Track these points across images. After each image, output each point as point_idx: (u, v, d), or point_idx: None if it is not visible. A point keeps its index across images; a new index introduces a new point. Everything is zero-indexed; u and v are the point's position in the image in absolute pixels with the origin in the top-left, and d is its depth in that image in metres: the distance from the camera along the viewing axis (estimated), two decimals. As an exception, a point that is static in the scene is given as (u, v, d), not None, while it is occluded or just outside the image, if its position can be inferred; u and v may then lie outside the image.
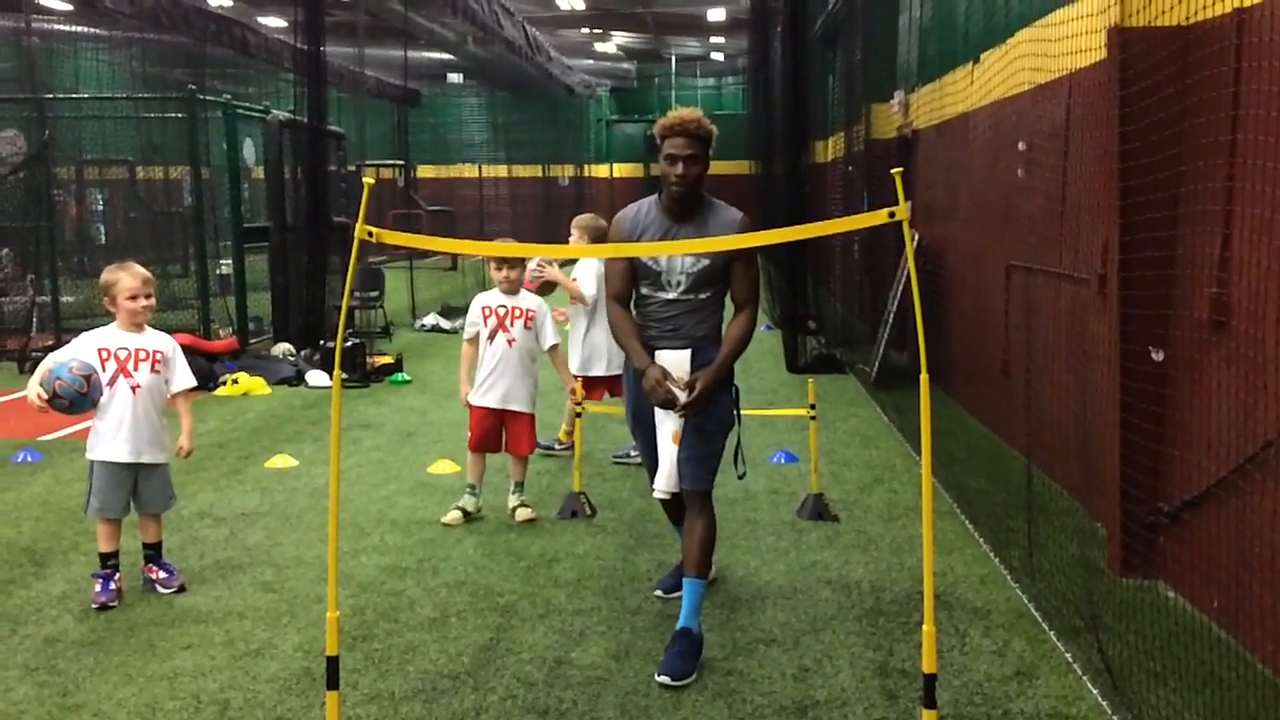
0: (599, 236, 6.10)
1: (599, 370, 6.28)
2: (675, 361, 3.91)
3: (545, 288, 5.97)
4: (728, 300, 3.99)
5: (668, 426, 3.91)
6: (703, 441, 3.89)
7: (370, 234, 2.75)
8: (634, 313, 4.05)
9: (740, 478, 4.23)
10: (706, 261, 3.86)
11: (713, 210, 3.92)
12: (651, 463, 4.05)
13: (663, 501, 4.13)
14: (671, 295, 3.91)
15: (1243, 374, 3.69)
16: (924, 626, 2.83)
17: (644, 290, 3.98)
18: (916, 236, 8.91)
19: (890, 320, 9.05)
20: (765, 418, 7.48)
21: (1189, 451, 4.02)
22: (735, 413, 4.01)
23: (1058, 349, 5.46)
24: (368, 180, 2.85)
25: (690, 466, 3.88)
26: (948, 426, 7.26)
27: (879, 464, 6.57)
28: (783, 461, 6.59)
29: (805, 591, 4.44)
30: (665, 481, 3.94)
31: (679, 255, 3.85)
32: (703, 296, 3.92)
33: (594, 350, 6.30)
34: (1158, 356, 4.21)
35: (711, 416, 3.91)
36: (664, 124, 3.89)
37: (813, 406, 5.50)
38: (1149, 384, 4.20)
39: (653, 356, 3.92)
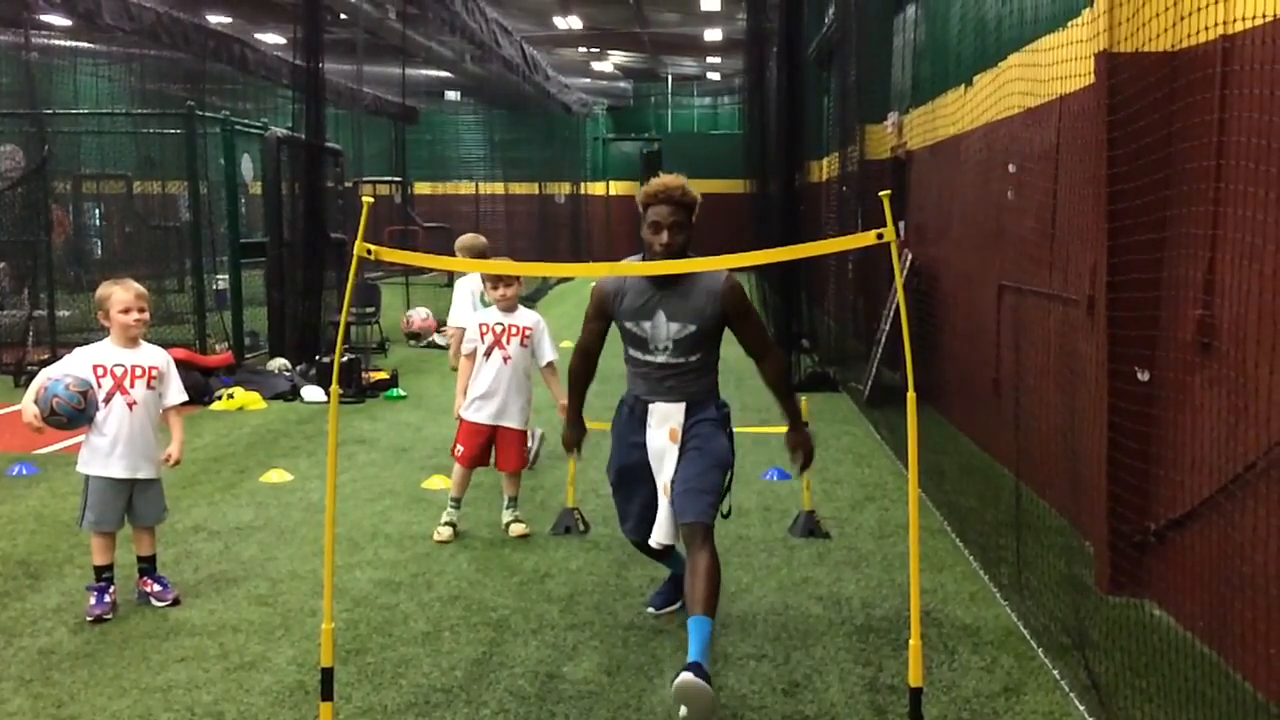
0: (479, 255, 6.75)
1: None
2: (668, 412, 3.88)
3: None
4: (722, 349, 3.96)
5: (665, 477, 3.86)
6: (701, 475, 3.81)
7: (369, 251, 2.80)
8: (626, 369, 4.01)
9: (724, 516, 4.00)
10: (693, 328, 3.81)
11: (699, 276, 3.84)
12: (634, 515, 4.03)
13: (637, 543, 4.10)
14: (659, 359, 3.86)
15: (1227, 395, 3.74)
16: (910, 640, 2.87)
17: (632, 353, 3.95)
18: (910, 256, 8.98)
19: (883, 339, 9.11)
20: (758, 435, 7.51)
21: (1175, 471, 4.07)
22: (731, 452, 3.95)
23: (1047, 369, 5.52)
24: (367, 199, 2.90)
25: (690, 500, 3.77)
26: (939, 444, 7.30)
27: (871, 482, 6.61)
28: (775, 479, 6.63)
29: (796, 608, 4.47)
30: (664, 531, 3.86)
31: (664, 321, 3.81)
32: (692, 360, 3.86)
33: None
34: (1143, 377, 4.26)
35: (708, 451, 3.84)
36: (648, 191, 3.83)
37: (805, 425, 5.53)
38: (1136, 404, 4.25)
39: (643, 411, 3.91)
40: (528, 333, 5.43)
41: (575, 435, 4.22)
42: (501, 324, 5.42)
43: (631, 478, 4.01)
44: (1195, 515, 3.95)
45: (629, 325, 3.86)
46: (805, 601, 4.54)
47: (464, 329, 6.50)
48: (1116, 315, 4.26)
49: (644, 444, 3.93)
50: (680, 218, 3.77)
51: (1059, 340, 5.33)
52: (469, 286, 7.06)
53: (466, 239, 7.06)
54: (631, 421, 4.00)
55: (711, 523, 3.77)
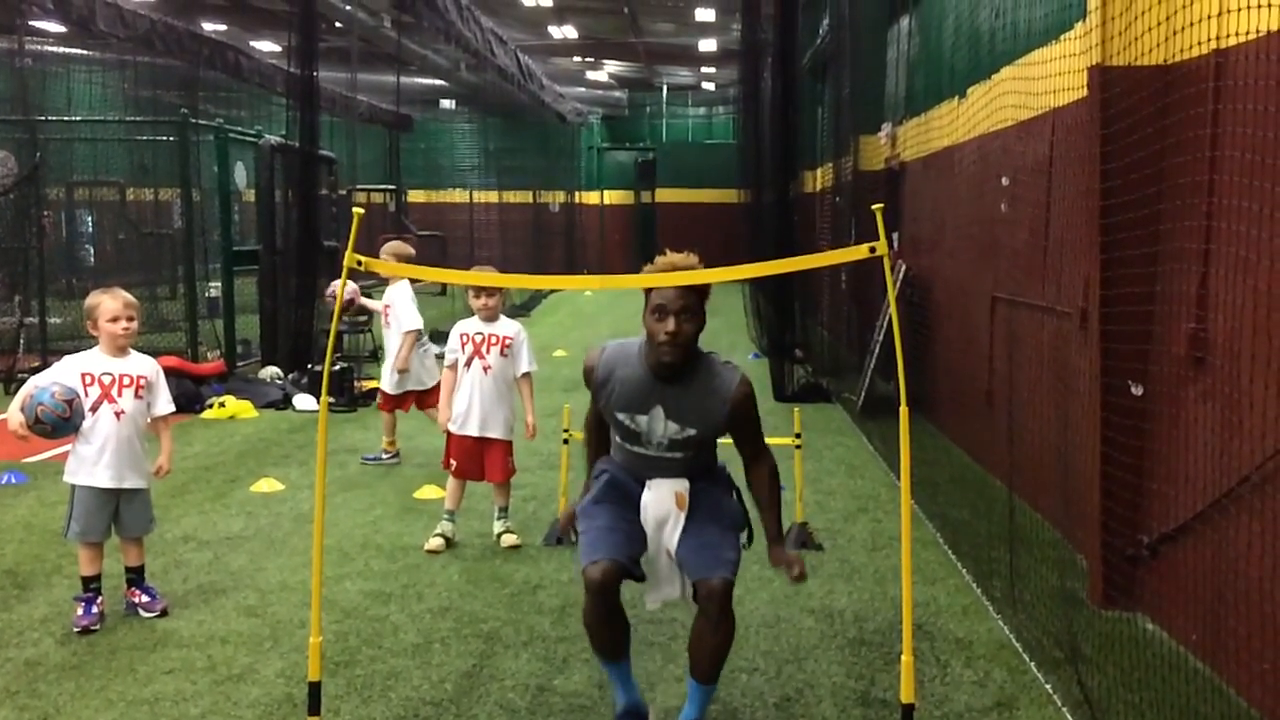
0: (407, 261, 7.12)
1: (410, 385, 7.20)
2: (669, 481, 3.39)
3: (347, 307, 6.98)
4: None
5: (669, 542, 3.33)
6: (721, 536, 3.32)
7: (359, 263, 2.78)
8: (614, 449, 3.52)
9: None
10: (694, 432, 3.29)
11: (708, 373, 3.30)
12: (610, 542, 3.29)
13: (601, 585, 3.20)
14: (653, 453, 3.35)
15: (1220, 410, 3.74)
16: (903, 657, 2.86)
17: (621, 442, 3.43)
18: (903, 267, 8.99)
19: (876, 350, 9.11)
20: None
21: (1168, 485, 4.07)
22: (747, 518, 3.49)
23: (1040, 381, 5.52)
24: (357, 210, 2.88)
25: (710, 555, 3.24)
26: (932, 456, 7.30)
27: (864, 493, 6.60)
28: (768, 490, 6.61)
29: (788, 620, 4.45)
30: (669, 588, 3.31)
31: (662, 418, 3.28)
32: (689, 454, 3.36)
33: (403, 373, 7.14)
34: (1137, 391, 4.26)
35: (724, 513, 3.39)
36: (652, 272, 3.23)
37: (798, 436, 5.53)
38: (1129, 417, 4.24)
39: (639, 487, 3.39)
40: (508, 342, 5.41)
41: (566, 519, 3.68)
42: (482, 334, 5.40)
43: (616, 507, 3.39)
44: (1188, 529, 3.94)
45: (620, 417, 3.35)
46: (797, 614, 4.52)
47: (419, 330, 7.12)
48: (1110, 329, 4.26)
49: (638, 493, 3.38)
50: (691, 303, 3.18)
51: (1052, 353, 5.32)
52: (408, 291, 7.34)
53: (393, 245, 7.51)
54: (622, 474, 3.47)
55: (734, 582, 3.25)
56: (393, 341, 7.22)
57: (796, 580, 3.34)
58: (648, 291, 3.24)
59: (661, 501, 3.32)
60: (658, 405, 3.28)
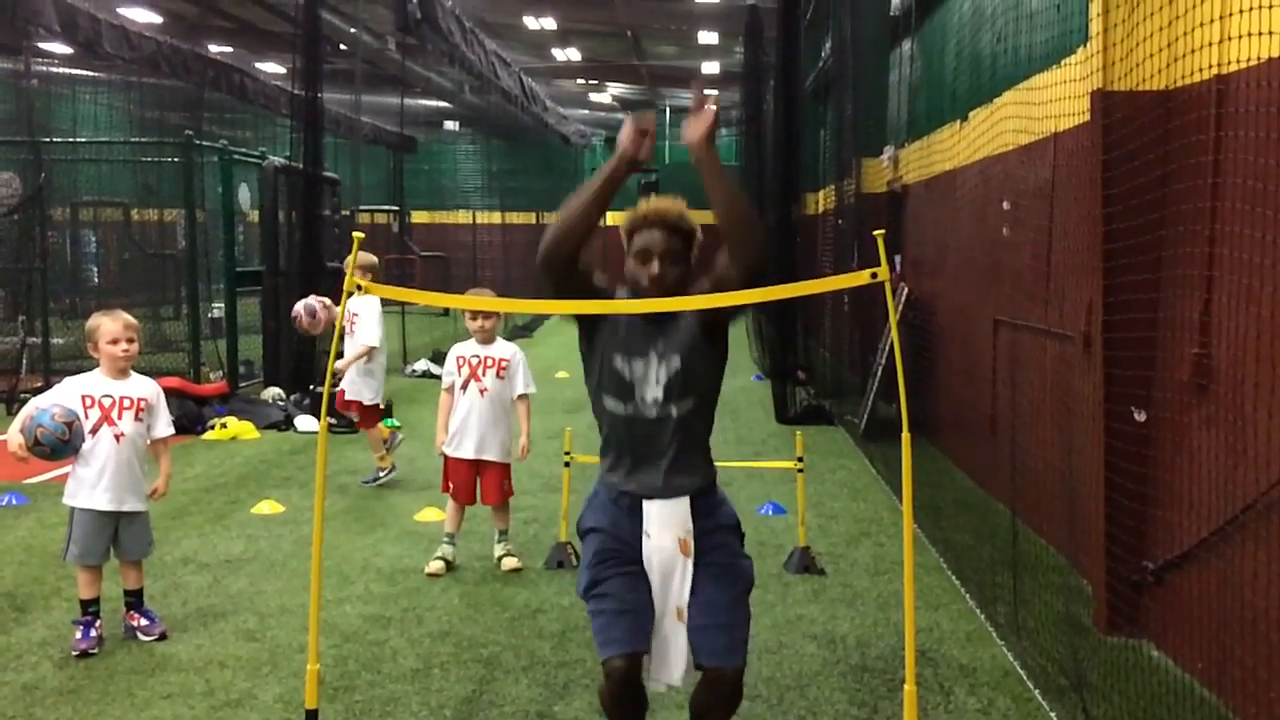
0: (371, 268, 7.47)
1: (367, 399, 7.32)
2: (671, 514, 3.05)
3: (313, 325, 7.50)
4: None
5: (677, 599, 3.04)
6: (731, 606, 3.06)
7: (359, 286, 2.78)
8: (598, 424, 3.20)
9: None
10: (678, 362, 3.04)
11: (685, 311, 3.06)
12: (624, 627, 3.04)
13: (624, 673, 2.98)
14: (646, 414, 3.06)
15: (1223, 437, 3.72)
16: (906, 685, 2.83)
17: (608, 404, 3.11)
18: (905, 290, 8.98)
19: (879, 372, 9.09)
20: (752, 470, 7.49)
21: (1172, 512, 4.04)
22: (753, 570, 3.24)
23: (1043, 405, 5.50)
24: (357, 235, 2.88)
25: (720, 637, 3.00)
26: (935, 480, 7.27)
27: (866, 517, 6.57)
28: (770, 513, 6.59)
29: (790, 646, 4.42)
30: (677, 669, 3.03)
31: (655, 366, 3.04)
32: (687, 408, 3.06)
33: (366, 382, 7.31)
34: (1140, 417, 4.24)
35: (734, 573, 3.12)
36: (635, 215, 3.09)
37: (800, 459, 5.51)
38: (1133, 443, 4.23)
39: (634, 507, 3.08)
40: (504, 364, 5.40)
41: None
42: (478, 356, 5.39)
43: (621, 571, 3.08)
44: (1192, 556, 3.92)
45: (618, 362, 3.08)
46: (800, 640, 4.49)
47: (374, 347, 7.26)
48: (1113, 354, 4.25)
49: (638, 552, 3.09)
50: (675, 246, 3.03)
51: (1055, 377, 5.31)
52: (376, 305, 7.40)
53: (362, 257, 7.49)
54: (617, 513, 3.13)
55: (744, 666, 3.07)
56: (351, 350, 7.27)
57: (702, 114, 2.89)
58: (629, 234, 3.08)
59: (665, 551, 3.05)
60: (651, 350, 3.06)
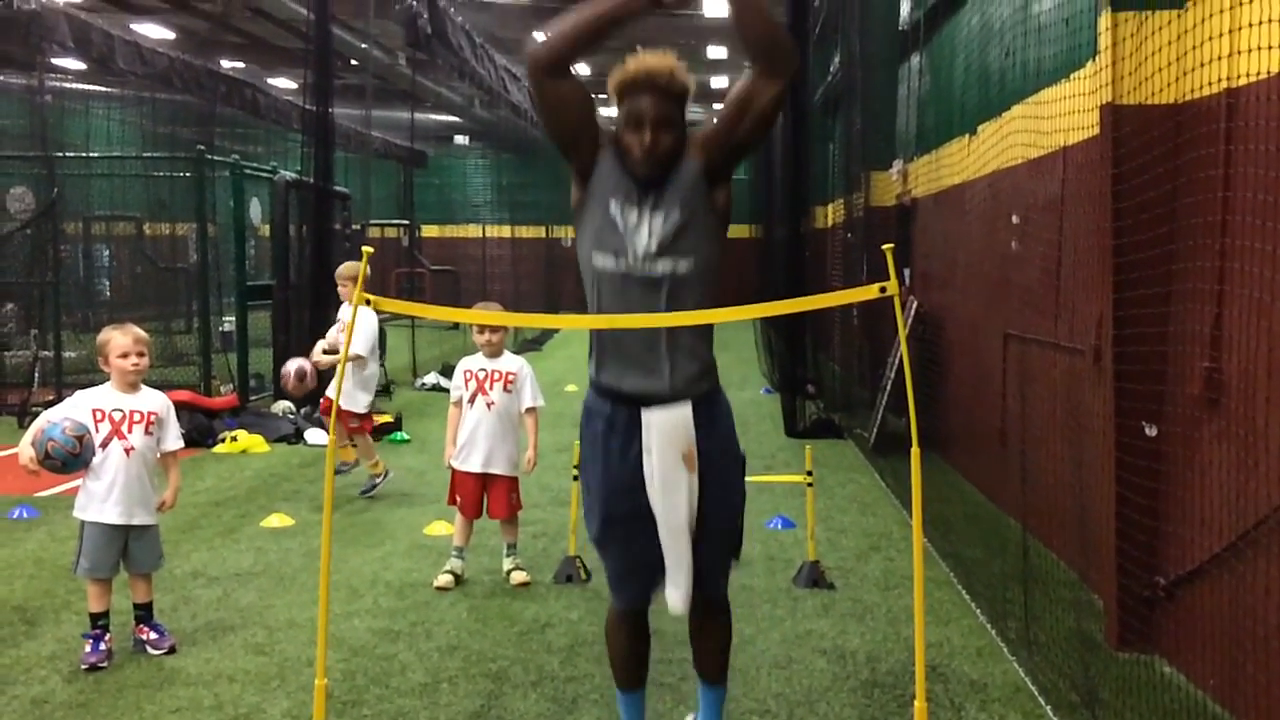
0: (353, 278, 7.11)
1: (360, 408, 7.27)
2: (673, 425, 2.90)
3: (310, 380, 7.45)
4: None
5: (681, 515, 2.97)
6: (728, 536, 3.20)
7: (368, 301, 2.79)
8: (587, 298, 3.07)
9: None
10: (677, 214, 2.90)
11: (680, 167, 2.94)
12: (636, 576, 3.12)
13: (635, 614, 3.15)
14: (638, 271, 2.90)
15: (1235, 452, 3.70)
16: (916, 701, 2.82)
17: (598, 263, 2.95)
18: (915, 303, 8.97)
19: (888, 386, 9.07)
20: (762, 484, 7.47)
21: (1184, 527, 4.02)
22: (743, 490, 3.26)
23: (1053, 419, 5.48)
24: (366, 249, 2.89)
25: (716, 567, 3.15)
26: (945, 494, 7.24)
27: (876, 531, 6.54)
28: (779, 527, 6.57)
29: (800, 661, 4.40)
30: (682, 598, 3.03)
31: (647, 213, 2.90)
32: (683, 269, 2.90)
33: (358, 394, 7.27)
34: (1151, 432, 4.22)
35: (731, 501, 3.14)
36: (623, 77, 2.89)
37: (810, 473, 5.50)
38: (1144, 458, 4.21)
39: (632, 422, 2.94)
40: (511, 378, 5.40)
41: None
42: (485, 370, 5.40)
43: (626, 530, 3.06)
44: (1204, 572, 3.89)
45: (613, 205, 2.92)
46: (809, 655, 4.47)
47: (362, 356, 7.24)
48: (1123, 368, 4.23)
49: (639, 480, 2.98)
50: (669, 111, 2.85)
51: (1065, 391, 5.29)
52: (370, 318, 7.44)
53: (346, 266, 7.56)
54: (614, 439, 3.00)
55: (726, 588, 3.25)
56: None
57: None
58: (620, 96, 2.89)
59: (669, 472, 2.92)
60: (647, 199, 2.91)
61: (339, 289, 7.46)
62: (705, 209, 2.95)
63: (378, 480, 7.40)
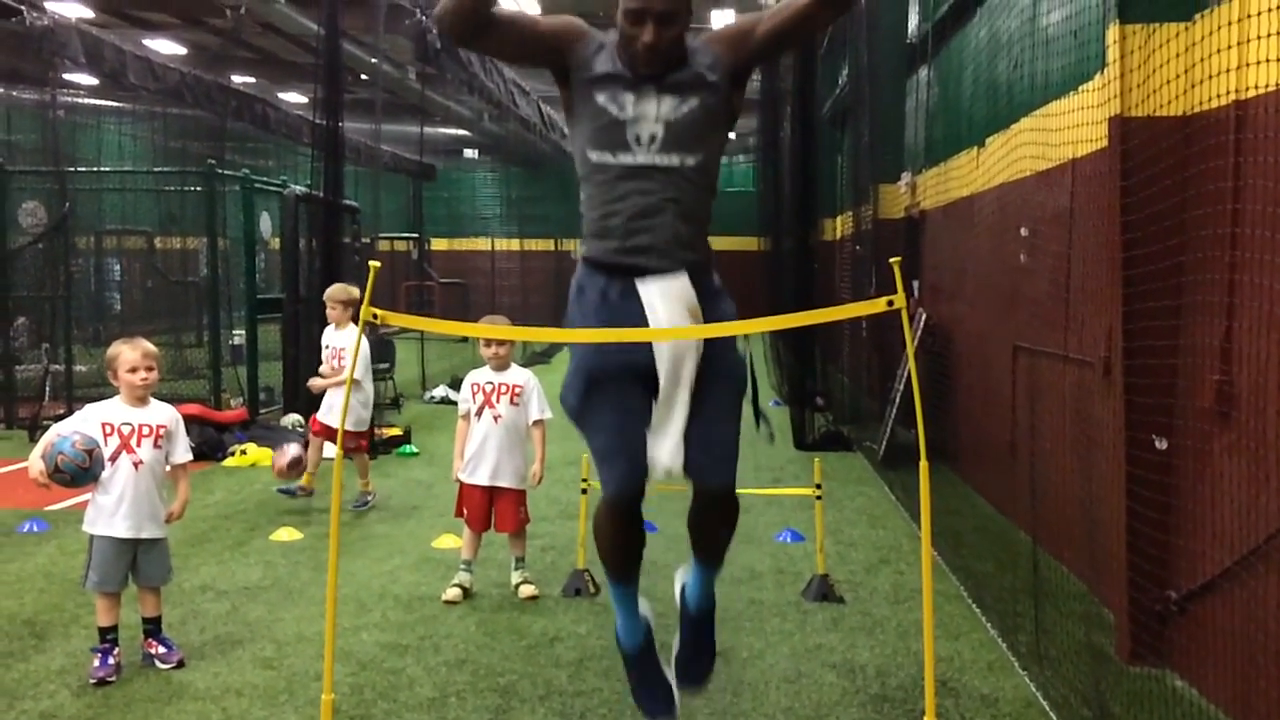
0: (351, 300, 7.28)
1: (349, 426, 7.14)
2: (670, 289, 2.81)
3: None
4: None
5: (687, 381, 2.85)
6: (721, 424, 2.95)
7: (375, 315, 2.80)
8: (583, 207, 2.96)
9: (769, 439, 3.74)
10: (695, 102, 2.77)
11: (690, 56, 2.81)
12: (630, 447, 2.92)
13: (629, 500, 2.93)
14: (641, 159, 2.77)
15: (1246, 465, 3.68)
16: (925, 717, 2.80)
17: (595, 157, 2.83)
18: (924, 316, 8.96)
19: (897, 399, 9.05)
20: (770, 497, 7.45)
21: (1195, 540, 4.00)
22: (750, 371, 3.11)
23: (1063, 432, 5.46)
24: (373, 264, 2.90)
25: (717, 453, 2.93)
26: (955, 506, 7.22)
27: (885, 544, 6.52)
28: (788, 540, 6.55)
29: (809, 676, 4.38)
30: (671, 454, 2.86)
31: (653, 98, 2.75)
32: (689, 163, 2.81)
33: (355, 414, 7.25)
34: (1161, 445, 4.20)
35: (732, 388, 2.99)
36: None
37: (819, 486, 5.48)
38: (1154, 471, 4.19)
39: (626, 291, 2.84)
40: (518, 391, 5.41)
41: None
42: (492, 383, 5.40)
43: (617, 388, 2.87)
44: (1216, 585, 3.87)
45: (602, 98, 2.76)
46: (819, 669, 4.45)
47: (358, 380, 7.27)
48: (1133, 381, 4.22)
49: (631, 356, 2.86)
50: (672, 4, 2.68)
51: (1074, 403, 5.28)
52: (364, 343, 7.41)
53: (338, 289, 7.57)
54: (609, 304, 2.89)
55: (734, 482, 3.06)
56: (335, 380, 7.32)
57: None
58: None
59: (676, 321, 2.81)
60: (650, 86, 2.75)
61: (328, 311, 7.48)
62: (722, 108, 2.85)
63: (369, 498, 7.47)
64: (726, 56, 2.83)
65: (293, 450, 7.33)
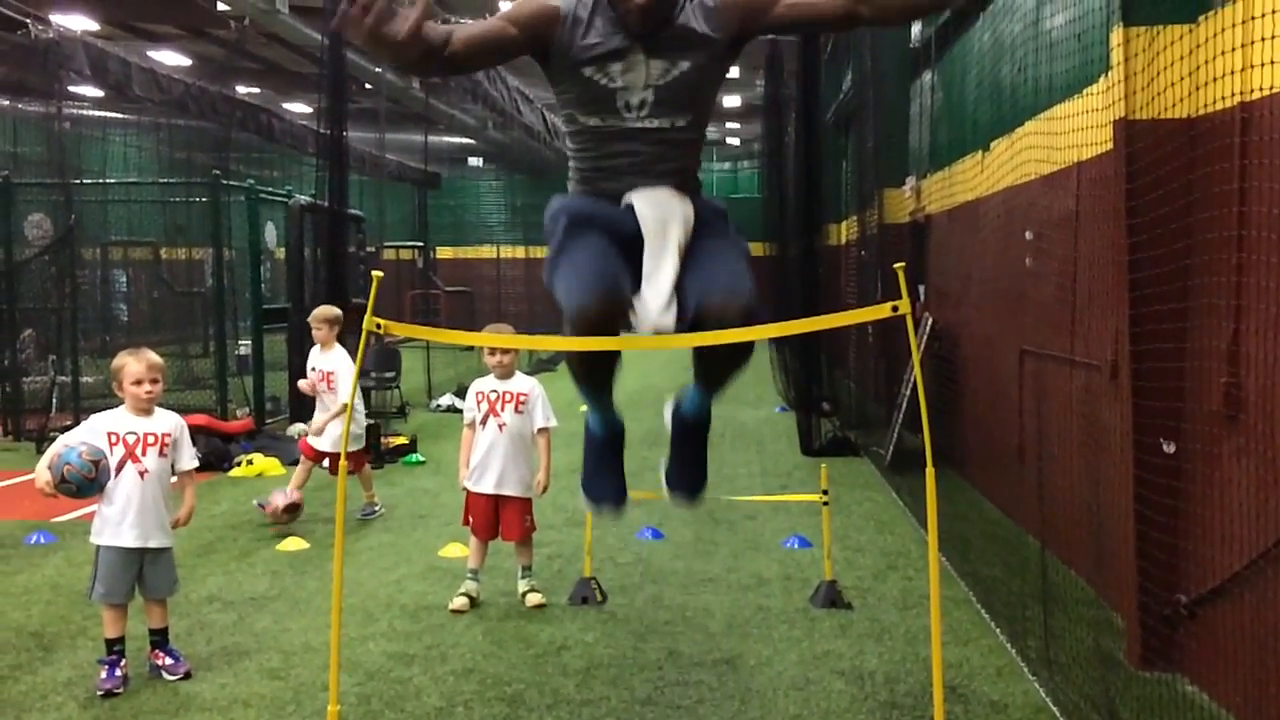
0: (335, 321, 7.33)
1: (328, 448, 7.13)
2: (655, 193, 2.76)
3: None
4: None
5: (674, 243, 2.74)
6: (726, 260, 2.81)
7: (379, 325, 2.79)
8: (570, 155, 2.95)
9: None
10: (686, 65, 2.68)
11: (684, 15, 2.70)
12: (599, 270, 2.72)
13: (595, 318, 2.63)
14: (631, 123, 2.72)
15: (1255, 469, 3.66)
16: (935, 725, 2.79)
17: (585, 120, 2.79)
18: (930, 320, 8.94)
19: (904, 404, 9.03)
20: (778, 503, 7.44)
21: (1204, 544, 3.98)
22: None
23: (1071, 436, 5.44)
24: (376, 274, 2.90)
25: (727, 278, 2.73)
26: (963, 511, 7.19)
27: (893, 550, 6.50)
28: (795, 546, 6.53)
29: (818, 683, 4.37)
30: (660, 307, 2.68)
31: (641, 65, 2.67)
32: (679, 125, 2.77)
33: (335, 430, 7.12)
34: (1169, 449, 4.18)
35: (736, 247, 2.91)
36: None
37: (825, 491, 5.47)
38: (1162, 475, 4.17)
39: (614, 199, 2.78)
40: (522, 399, 5.40)
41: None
42: (496, 391, 5.40)
43: (597, 232, 2.79)
44: (1226, 589, 3.85)
45: (588, 71, 2.68)
46: (827, 676, 4.44)
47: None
48: (1141, 385, 4.20)
49: (623, 213, 2.79)
50: None
51: (1082, 407, 5.26)
52: (349, 361, 7.38)
53: (322, 311, 7.56)
54: (594, 201, 2.89)
55: (755, 303, 2.74)
56: (332, 402, 7.22)
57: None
58: None
59: (659, 209, 2.74)
60: (638, 50, 2.64)
61: (314, 331, 7.39)
62: (715, 67, 2.78)
63: (376, 508, 7.45)
64: (734, 22, 2.74)
65: (280, 501, 7.04)
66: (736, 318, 2.61)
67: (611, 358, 2.90)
